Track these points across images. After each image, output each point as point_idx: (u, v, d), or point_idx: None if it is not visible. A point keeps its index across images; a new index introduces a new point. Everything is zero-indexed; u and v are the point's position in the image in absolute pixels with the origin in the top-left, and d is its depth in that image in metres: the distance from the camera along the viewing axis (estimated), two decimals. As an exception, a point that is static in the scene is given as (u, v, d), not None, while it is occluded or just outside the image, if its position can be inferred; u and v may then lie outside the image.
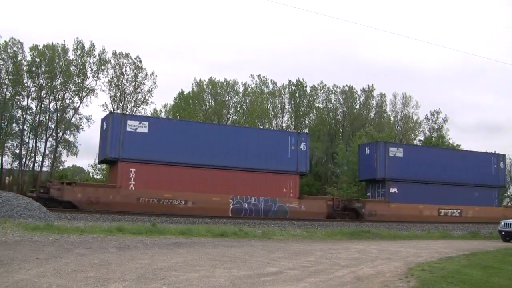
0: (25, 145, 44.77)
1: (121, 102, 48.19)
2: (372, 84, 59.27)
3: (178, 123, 29.74)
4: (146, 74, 48.85)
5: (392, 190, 29.79)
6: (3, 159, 44.27)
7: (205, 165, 24.84)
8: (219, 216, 22.98)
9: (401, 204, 29.39)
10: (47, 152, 45.46)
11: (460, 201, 31.50)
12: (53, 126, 45.49)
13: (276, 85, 55.45)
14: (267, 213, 25.37)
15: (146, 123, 24.23)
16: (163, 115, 54.16)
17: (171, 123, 29.68)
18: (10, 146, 43.95)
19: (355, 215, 27.72)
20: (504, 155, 36.72)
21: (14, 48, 43.11)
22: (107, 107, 47.30)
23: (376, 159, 30.17)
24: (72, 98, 46.03)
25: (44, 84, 44.58)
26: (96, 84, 46.79)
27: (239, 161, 25.49)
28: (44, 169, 45.69)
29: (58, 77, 44.84)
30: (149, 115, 46.90)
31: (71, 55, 45.38)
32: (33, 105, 44.53)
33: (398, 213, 28.82)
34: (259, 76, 55.65)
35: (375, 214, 28.08)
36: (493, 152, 36.81)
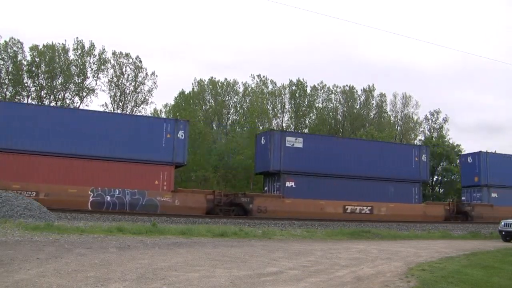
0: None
1: (121, 102, 48.23)
2: (373, 84, 59.31)
3: (29, 108, 26.75)
4: (146, 74, 48.88)
5: (289, 184, 26.78)
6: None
7: (63, 153, 22.58)
8: (77, 210, 20.84)
9: (298, 199, 26.33)
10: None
11: (372, 197, 28.64)
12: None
13: (275, 85, 55.49)
14: (134, 207, 22.98)
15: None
16: (163, 115, 54.16)
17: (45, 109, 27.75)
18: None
19: (242, 211, 25.23)
20: (427, 147, 34.88)
21: (14, 48, 43.16)
22: (107, 107, 47.37)
23: (270, 150, 26.95)
24: (72, 98, 46.08)
25: (44, 84, 44.62)
26: (96, 84, 46.88)
27: (103, 149, 23.17)
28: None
29: (58, 77, 44.88)
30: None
31: (71, 55, 45.47)
32: (33, 105, 44.56)
33: (294, 209, 25.84)
34: (259, 76, 55.71)
35: (266, 211, 25.34)
36: (415, 143, 36.25)
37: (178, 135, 24.88)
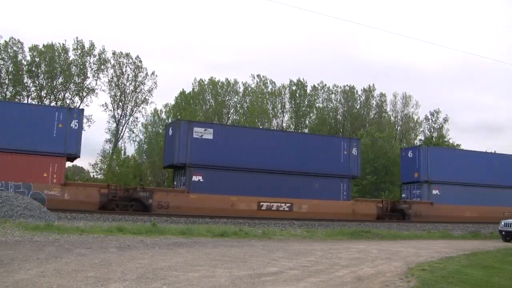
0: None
1: (121, 102, 48.25)
2: (373, 84, 59.37)
3: None
4: (146, 74, 48.92)
5: (196, 178, 24.69)
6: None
7: None
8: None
9: (205, 195, 24.31)
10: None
11: (292, 193, 26.33)
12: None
13: (275, 85, 55.53)
14: None
15: None
16: (163, 115, 54.21)
17: None
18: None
19: (141, 207, 23.50)
20: (357, 139, 31.52)
21: (14, 48, 43.17)
22: (107, 107, 47.38)
23: (176, 141, 25.05)
24: (73, 98, 46.10)
25: (44, 84, 44.64)
26: (96, 84, 46.89)
27: None
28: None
29: (58, 77, 44.89)
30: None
31: (71, 55, 45.49)
32: (33, 105, 44.58)
33: (200, 205, 23.99)
34: (258, 76, 55.72)
35: (168, 206, 23.59)
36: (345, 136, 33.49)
37: (72, 125, 23.11)
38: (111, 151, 46.58)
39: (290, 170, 26.68)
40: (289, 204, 26.16)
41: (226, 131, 27.67)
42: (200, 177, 24.86)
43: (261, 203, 25.54)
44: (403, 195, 32.81)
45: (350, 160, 28.43)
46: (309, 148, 27.72)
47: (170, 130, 26.46)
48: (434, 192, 30.64)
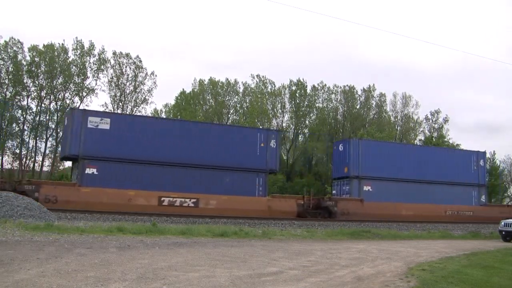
0: (25, 145, 44.82)
1: (121, 102, 48.26)
2: (373, 84, 59.42)
3: None
4: (146, 74, 48.96)
5: (89, 170, 23.00)
6: (3, 159, 44.35)
7: None
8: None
9: (98, 188, 22.59)
10: (47, 152, 45.55)
11: (199, 188, 24.53)
12: (53, 126, 45.53)
13: (274, 85, 55.57)
14: None
15: None
16: (163, 115, 54.22)
17: None
18: (10, 146, 44.05)
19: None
20: (277, 132, 29.47)
21: (14, 48, 43.19)
22: (107, 107, 47.39)
23: (69, 131, 23.59)
24: (72, 98, 46.17)
25: (44, 84, 44.64)
26: (96, 84, 46.91)
27: None
28: (45, 169, 45.77)
29: (58, 77, 44.90)
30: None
31: (70, 55, 45.50)
32: (33, 105, 44.65)
33: (93, 200, 22.25)
34: (258, 76, 55.74)
35: (56, 201, 21.78)
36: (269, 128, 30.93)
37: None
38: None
39: (196, 163, 24.86)
40: (194, 200, 24.19)
41: (124, 121, 25.78)
42: (94, 170, 23.08)
43: (162, 198, 23.65)
44: (333, 192, 30.87)
45: (267, 153, 26.37)
46: (220, 140, 25.91)
47: (66, 120, 25.10)
48: (366, 188, 28.50)
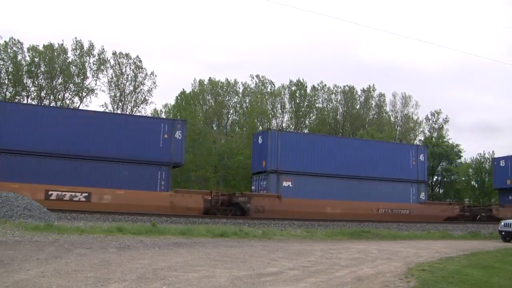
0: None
1: (121, 102, 48.26)
2: (373, 84, 59.42)
3: None
4: (146, 74, 48.94)
5: None
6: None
7: None
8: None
9: None
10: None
11: (91, 182, 22.85)
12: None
13: (274, 85, 55.58)
14: None
15: None
16: (163, 115, 54.19)
17: None
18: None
19: None
20: (184, 121, 27.32)
21: (14, 49, 43.20)
22: (107, 107, 47.38)
23: None
24: (72, 98, 46.17)
25: (44, 84, 44.66)
26: (96, 84, 46.91)
27: None
28: None
29: (58, 77, 44.91)
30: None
31: (70, 55, 45.52)
32: (33, 105, 44.60)
33: None
34: (257, 76, 55.73)
35: None
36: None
37: None
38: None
39: (91, 154, 23.10)
40: (86, 194, 22.52)
41: (6, 109, 23.67)
42: None
43: (50, 192, 21.87)
44: (252, 187, 28.72)
45: (172, 144, 24.52)
46: (117, 130, 24.11)
47: None
48: (285, 184, 26.41)
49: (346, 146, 29.60)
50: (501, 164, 35.20)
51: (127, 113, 45.39)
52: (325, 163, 27.75)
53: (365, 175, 28.74)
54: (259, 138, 28.25)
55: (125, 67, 48.17)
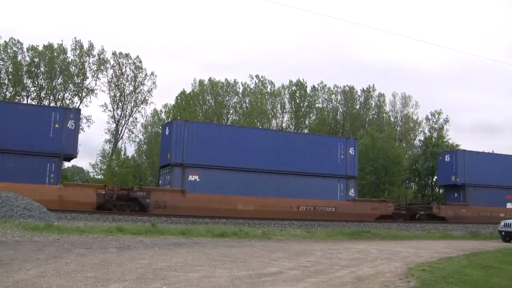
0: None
1: (121, 102, 48.26)
2: (373, 84, 59.43)
3: None
4: (146, 74, 48.95)
5: None
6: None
7: None
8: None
9: None
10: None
11: None
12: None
13: (274, 85, 55.58)
14: None
15: None
16: (163, 115, 54.21)
17: None
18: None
19: None
20: (78, 110, 25.89)
21: (14, 49, 43.21)
22: (106, 107, 47.39)
23: None
24: (72, 98, 46.17)
25: (43, 84, 44.66)
26: (95, 84, 46.90)
27: None
28: None
29: (57, 77, 44.91)
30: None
31: (70, 55, 45.53)
32: (33, 105, 44.60)
33: None
34: (257, 76, 55.75)
35: None
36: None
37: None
38: (110, 152, 46.60)
39: None
40: None
41: None
42: None
43: None
44: (160, 182, 27.04)
45: (63, 135, 22.98)
46: (0, 118, 22.40)
47: None
48: (192, 178, 24.70)
49: (270, 139, 27.37)
50: (446, 160, 33.22)
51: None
52: (240, 156, 25.78)
53: (286, 170, 26.70)
54: (166, 129, 26.44)
55: (125, 67, 48.24)
